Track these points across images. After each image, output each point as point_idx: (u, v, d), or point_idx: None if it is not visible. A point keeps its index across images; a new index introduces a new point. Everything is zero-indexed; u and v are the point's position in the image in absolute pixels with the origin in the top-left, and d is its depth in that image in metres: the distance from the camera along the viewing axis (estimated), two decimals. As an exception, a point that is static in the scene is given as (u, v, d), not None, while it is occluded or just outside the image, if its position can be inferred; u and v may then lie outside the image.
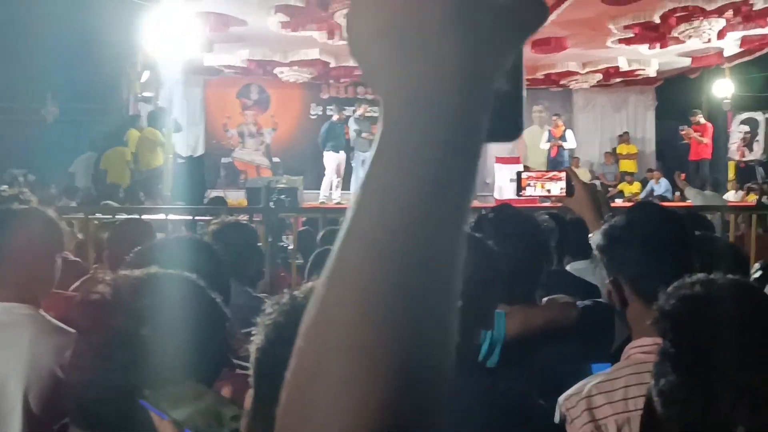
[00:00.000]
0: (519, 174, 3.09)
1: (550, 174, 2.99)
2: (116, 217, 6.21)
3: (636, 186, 19.35)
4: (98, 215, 6.62)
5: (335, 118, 16.68)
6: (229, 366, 1.75)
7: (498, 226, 2.77)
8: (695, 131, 17.06)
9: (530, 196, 3.04)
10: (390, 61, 0.61)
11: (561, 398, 2.15)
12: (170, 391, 1.35)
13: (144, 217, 6.45)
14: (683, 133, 17.51)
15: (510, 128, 0.66)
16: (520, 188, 3.06)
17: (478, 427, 1.93)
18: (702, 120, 17.35)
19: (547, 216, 3.72)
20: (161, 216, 6.87)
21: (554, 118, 17.99)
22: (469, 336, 2.19)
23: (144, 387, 1.38)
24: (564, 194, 2.91)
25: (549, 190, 2.94)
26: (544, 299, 2.93)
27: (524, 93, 0.67)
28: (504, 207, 3.11)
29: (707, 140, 17.04)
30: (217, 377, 1.58)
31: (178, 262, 2.04)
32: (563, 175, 2.93)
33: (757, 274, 3.32)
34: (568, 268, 4.08)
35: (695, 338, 1.35)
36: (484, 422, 1.95)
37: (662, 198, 18.00)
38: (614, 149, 20.54)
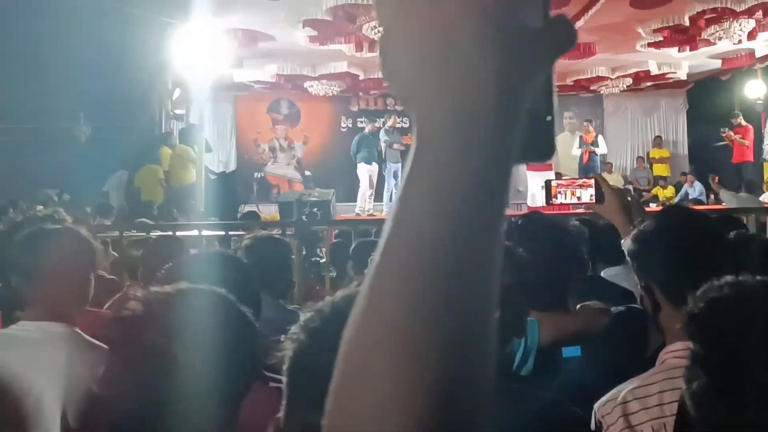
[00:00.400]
0: (548, 182, 3.08)
1: (580, 181, 2.98)
2: (149, 234, 6.26)
3: (670, 190, 19.19)
4: (132, 233, 6.68)
5: (367, 129, 16.74)
6: (261, 379, 1.76)
7: (527, 233, 2.76)
8: (736, 133, 16.81)
9: (560, 203, 3.02)
10: (425, 82, 0.63)
11: (596, 405, 2.14)
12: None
13: (177, 233, 6.51)
14: (724, 135, 17.29)
15: (543, 148, 0.68)
16: (549, 197, 3.05)
17: (512, 436, 1.92)
18: (743, 122, 17.11)
19: (577, 222, 3.70)
20: (194, 232, 6.93)
21: (585, 124, 17.92)
22: (500, 344, 2.19)
23: (172, 402, 1.39)
24: (594, 201, 2.90)
25: (579, 198, 2.93)
26: (578, 306, 2.91)
27: (555, 113, 0.69)
28: (533, 214, 3.11)
29: (748, 142, 16.80)
30: (248, 390, 1.59)
31: (209, 277, 2.06)
32: (593, 182, 2.92)
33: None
34: (602, 274, 4.05)
35: (723, 340, 1.34)
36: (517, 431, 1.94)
37: (697, 201, 17.83)
38: (647, 154, 20.43)
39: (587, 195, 2.90)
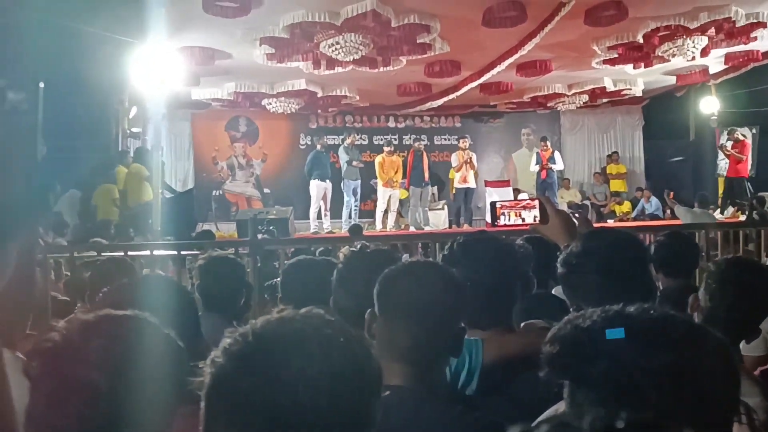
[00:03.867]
0: (493, 204, 3.09)
1: (524, 202, 2.99)
2: (102, 255, 6.19)
3: (627, 205, 19.42)
4: (85, 253, 6.60)
5: (318, 146, 16.74)
6: (193, 401, 1.73)
7: (469, 251, 2.77)
8: (733, 148, 16.95)
9: (504, 225, 3.03)
10: None
11: (534, 424, 2.13)
12: None
13: (131, 253, 6.44)
14: (722, 150, 17.45)
15: None
16: (495, 218, 3.06)
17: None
18: (740, 136, 17.25)
19: (522, 241, 3.71)
20: (147, 252, 6.86)
21: (542, 142, 18.05)
22: (438, 363, 2.19)
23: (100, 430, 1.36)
24: (537, 222, 2.91)
25: (523, 219, 2.95)
26: (522, 324, 2.92)
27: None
28: (477, 233, 3.11)
29: (745, 157, 16.95)
30: (175, 413, 1.56)
31: (146, 301, 2.04)
32: (536, 203, 2.94)
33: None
34: (553, 291, 4.06)
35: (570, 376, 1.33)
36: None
37: (653, 216, 18.07)
38: (603, 169, 20.65)
39: (530, 216, 2.92)
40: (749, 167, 18.71)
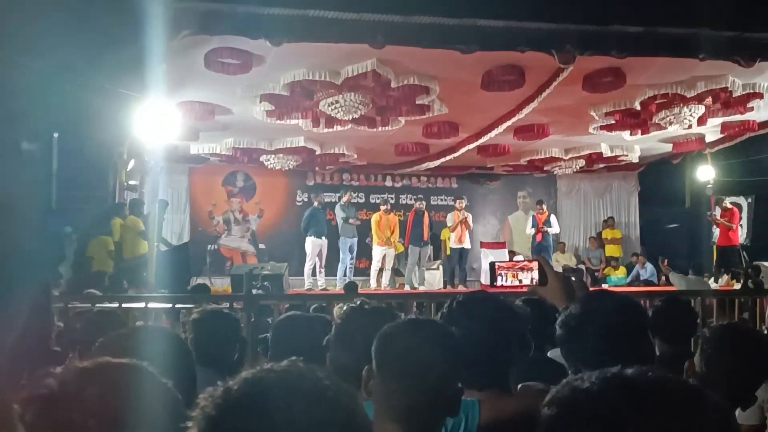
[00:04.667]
0: (492, 264, 3.10)
1: (521, 264, 3.00)
2: (95, 305, 6.16)
3: (621, 270, 19.41)
4: (77, 304, 6.58)
5: (315, 203, 16.77)
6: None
7: (468, 310, 2.76)
8: (722, 216, 16.98)
9: (502, 286, 3.03)
10: None
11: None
12: None
13: (125, 305, 6.41)
14: (711, 218, 17.49)
15: None
16: (494, 278, 3.06)
17: None
18: (729, 205, 17.29)
19: (521, 302, 3.71)
20: (142, 305, 6.83)
21: (538, 205, 18.11)
22: (435, 424, 2.16)
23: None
24: (535, 283, 2.91)
25: (521, 280, 2.95)
26: (519, 386, 2.89)
27: None
28: (477, 292, 3.10)
29: (734, 225, 16.97)
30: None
31: (141, 352, 2.02)
32: (535, 264, 2.94)
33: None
34: (549, 354, 4.03)
35: None
36: None
37: (648, 282, 18.06)
38: (599, 234, 20.68)
39: (528, 278, 2.92)
40: (743, 235, 18.76)
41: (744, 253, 17.30)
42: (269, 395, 1.23)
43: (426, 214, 16.86)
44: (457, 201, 17.61)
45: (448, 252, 17.27)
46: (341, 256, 16.25)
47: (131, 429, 1.45)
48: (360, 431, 1.30)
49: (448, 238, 17.15)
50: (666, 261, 14.33)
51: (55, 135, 14.87)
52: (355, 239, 16.42)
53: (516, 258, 17.18)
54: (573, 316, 2.44)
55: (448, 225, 17.09)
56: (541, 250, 17.10)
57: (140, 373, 1.57)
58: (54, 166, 15.11)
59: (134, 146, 14.37)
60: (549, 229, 17.57)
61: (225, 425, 1.21)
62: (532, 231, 17.75)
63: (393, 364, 2.11)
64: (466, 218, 16.78)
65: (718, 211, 17.47)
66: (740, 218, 17.86)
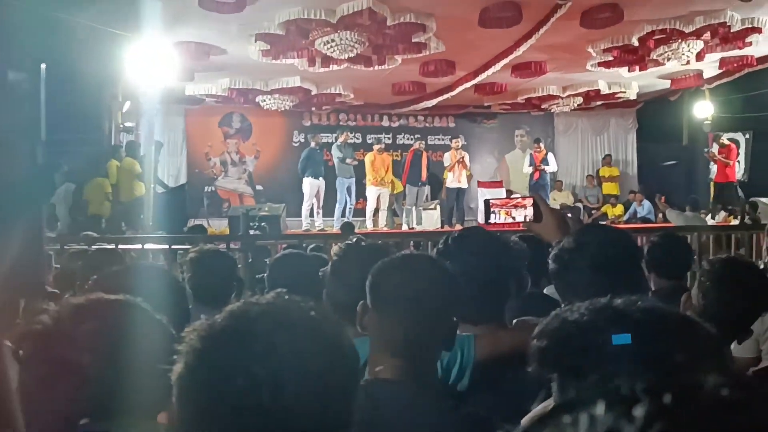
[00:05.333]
0: (486, 201, 3.09)
1: (515, 201, 2.98)
2: (91, 247, 6.17)
3: (619, 208, 19.43)
4: (74, 246, 6.58)
5: (312, 144, 16.68)
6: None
7: (465, 245, 2.76)
8: (720, 153, 16.88)
9: (496, 223, 3.02)
10: None
11: (524, 420, 2.12)
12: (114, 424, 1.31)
13: (121, 247, 6.42)
14: (708, 155, 17.41)
15: None
16: (488, 216, 3.05)
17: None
18: (726, 141, 17.18)
19: (517, 238, 3.71)
20: (138, 246, 6.84)
21: (535, 144, 18.06)
22: (430, 358, 2.17)
23: (89, 416, 1.34)
24: (530, 220, 2.91)
25: (514, 218, 2.94)
26: (514, 321, 2.90)
27: None
28: (472, 228, 3.10)
29: (732, 162, 16.89)
30: (168, 401, 1.54)
31: (137, 288, 2.02)
32: (528, 201, 2.93)
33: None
34: (546, 291, 4.05)
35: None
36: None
37: (645, 219, 18.09)
38: (597, 172, 20.67)
39: (521, 215, 2.92)
40: (741, 171, 18.74)
41: (740, 189, 17.30)
42: (253, 326, 1.22)
43: (424, 154, 16.83)
44: (454, 140, 17.55)
45: (445, 191, 17.27)
46: (338, 196, 16.21)
47: (126, 365, 1.46)
48: (346, 362, 1.29)
49: (446, 178, 17.15)
50: (663, 198, 14.36)
51: (43, 66, 14.76)
52: (353, 179, 16.36)
53: (512, 197, 17.18)
54: (566, 249, 2.44)
55: (445, 164, 17.05)
56: (538, 188, 17.09)
57: (133, 309, 1.57)
58: (42, 97, 15.03)
59: (129, 88, 14.27)
60: (546, 168, 17.53)
61: (209, 356, 1.21)
62: (530, 169, 17.71)
63: (387, 298, 2.11)
64: (463, 157, 16.73)
65: (715, 148, 17.43)
66: (738, 154, 17.79)
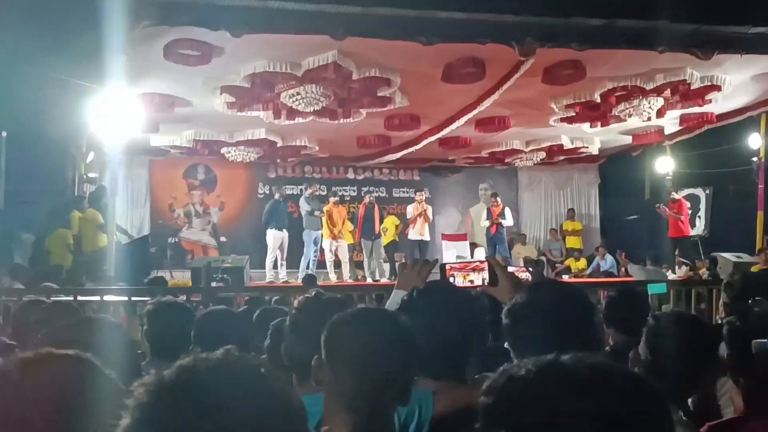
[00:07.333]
0: (443, 266, 3.11)
1: (473, 264, 3.02)
2: (49, 299, 6.08)
3: (582, 262, 19.56)
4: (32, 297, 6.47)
5: (276, 196, 16.67)
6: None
7: (429, 299, 2.76)
8: (671, 208, 16.98)
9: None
10: None
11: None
12: None
13: (80, 298, 6.34)
14: (660, 210, 17.57)
15: None
16: (444, 279, 3.07)
17: None
18: (676, 196, 17.26)
19: (479, 292, 3.72)
20: (97, 297, 6.77)
21: (492, 198, 18.07)
22: (385, 413, 2.14)
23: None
24: (487, 284, 2.92)
25: (472, 281, 2.97)
26: (476, 376, 2.89)
27: None
28: (434, 282, 3.10)
29: (683, 217, 17.02)
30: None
31: (87, 342, 1.99)
32: (486, 265, 2.96)
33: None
34: (506, 345, 4.04)
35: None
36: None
37: (608, 273, 18.20)
38: (560, 226, 20.81)
39: (479, 278, 2.94)
40: (702, 227, 18.94)
41: (701, 244, 17.48)
42: (202, 382, 1.21)
43: (376, 207, 16.86)
44: (418, 193, 17.58)
45: (385, 243, 17.08)
46: (305, 249, 16.16)
47: (74, 420, 1.43)
48: (295, 419, 1.28)
49: (395, 227, 17.20)
50: (624, 254, 14.47)
51: (3, 134, 14.71)
52: (320, 231, 16.31)
53: (477, 250, 17.24)
54: (518, 305, 2.44)
55: (408, 217, 17.03)
56: (495, 241, 17.12)
57: (82, 364, 1.55)
58: (2, 165, 14.94)
59: (93, 139, 14.19)
60: (503, 221, 17.50)
61: (157, 412, 1.19)
62: (487, 223, 17.70)
63: (341, 352, 2.10)
64: (425, 210, 16.77)
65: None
66: (689, 209, 17.85)
